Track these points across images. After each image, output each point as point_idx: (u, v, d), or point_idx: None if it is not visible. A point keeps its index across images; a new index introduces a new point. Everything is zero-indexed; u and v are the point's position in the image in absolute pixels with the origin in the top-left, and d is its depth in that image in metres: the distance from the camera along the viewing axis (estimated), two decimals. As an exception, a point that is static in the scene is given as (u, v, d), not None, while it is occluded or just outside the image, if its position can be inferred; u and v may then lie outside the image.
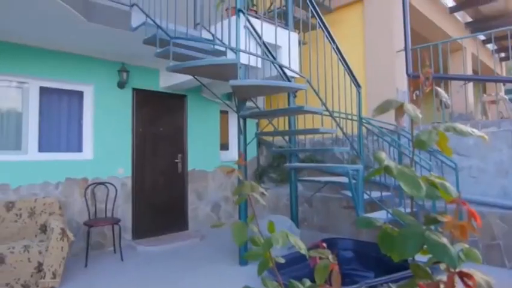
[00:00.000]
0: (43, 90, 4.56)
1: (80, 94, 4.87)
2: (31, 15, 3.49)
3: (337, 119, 4.38)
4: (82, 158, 4.77)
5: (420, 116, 0.77)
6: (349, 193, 4.02)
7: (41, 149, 4.51)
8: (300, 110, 3.91)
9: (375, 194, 4.17)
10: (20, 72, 4.29)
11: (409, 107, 0.77)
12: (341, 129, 4.31)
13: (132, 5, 3.92)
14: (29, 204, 4.00)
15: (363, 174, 4.00)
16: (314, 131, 4.36)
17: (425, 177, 0.78)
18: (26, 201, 4.01)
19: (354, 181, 3.84)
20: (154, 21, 3.75)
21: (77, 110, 4.87)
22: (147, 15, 3.81)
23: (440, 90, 0.94)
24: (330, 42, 4.30)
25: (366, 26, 5.94)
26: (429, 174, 0.81)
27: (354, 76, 4.46)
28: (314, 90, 4.04)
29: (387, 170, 0.74)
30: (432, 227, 0.79)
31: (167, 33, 3.66)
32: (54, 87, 4.64)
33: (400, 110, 0.77)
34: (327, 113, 4.15)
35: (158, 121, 5.56)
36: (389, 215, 3.74)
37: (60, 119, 4.73)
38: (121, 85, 5.03)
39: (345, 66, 4.37)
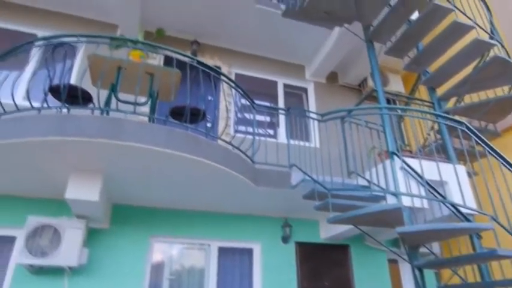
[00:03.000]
0: (220, 250, 5.11)
1: (249, 251, 5.25)
2: (215, 189, 4.25)
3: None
4: (252, 317, 4.78)
5: None
6: None
7: (217, 307, 4.77)
8: (493, 255, 3.18)
9: None
10: (202, 235, 4.99)
11: None
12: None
13: (291, 166, 4.40)
14: None
15: None
16: (521, 282, 3.39)
17: None
18: None
19: None
20: (311, 177, 4.05)
21: (247, 266, 5.17)
22: (304, 173, 4.17)
23: None
24: (508, 169, 3.70)
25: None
26: None
27: (558, 205, 3.55)
28: (505, 229, 3.32)
29: None
30: None
31: (324, 186, 3.84)
32: (229, 246, 5.17)
33: None
34: (534, 256, 3.25)
35: (322, 275, 5.34)
36: None
37: (233, 275, 5.06)
38: (285, 240, 5.24)
39: (541, 194, 3.57)
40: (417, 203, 3.80)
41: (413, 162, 3.97)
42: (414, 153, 4.50)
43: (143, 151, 3.27)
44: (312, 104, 6.79)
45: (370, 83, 6.73)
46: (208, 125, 4.92)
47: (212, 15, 5.96)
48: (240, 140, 4.27)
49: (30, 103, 3.53)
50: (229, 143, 4.06)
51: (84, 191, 3.54)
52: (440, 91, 5.40)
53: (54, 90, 3.69)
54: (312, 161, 4.41)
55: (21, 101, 4.34)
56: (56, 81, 3.74)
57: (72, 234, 3.91)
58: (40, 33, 5.46)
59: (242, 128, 5.05)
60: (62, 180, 3.67)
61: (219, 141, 4.14)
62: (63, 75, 3.74)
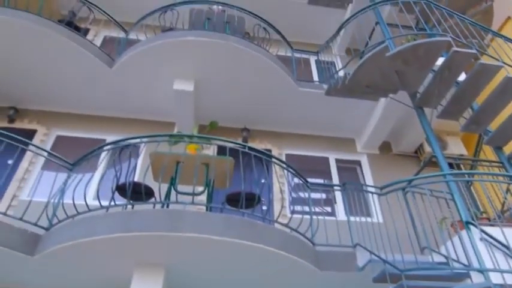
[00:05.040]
0: None
1: None
2: (276, 276, 4.02)
3: None
4: None
5: None
6: None
7: None
8: None
9: None
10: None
11: None
12: None
13: (355, 245, 4.11)
14: None
15: None
16: None
17: None
18: None
19: None
20: (379, 257, 3.73)
21: None
22: (371, 252, 3.86)
23: None
24: None
25: None
26: None
27: None
28: None
29: None
30: None
31: (395, 266, 3.49)
32: None
33: None
34: None
35: None
36: None
37: None
38: (359, 330, 4.66)
39: None
40: (509, 279, 3.28)
41: (494, 231, 3.55)
42: (493, 220, 4.03)
43: (202, 241, 3.29)
44: (368, 177, 6.56)
45: (428, 148, 6.45)
46: (264, 208, 4.89)
47: (258, 103, 6.34)
48: (298, 221, 4.15)
49: (100, 202, 3.81)
50: (287, 226, 3.95)
51: (146, 286, 3.54)
52: (508, 149, 4.99)
53: (120, 189, 3.98)
54: (376, 238, 4.09)
55: (91, 201, 4.69)
56: (121, 180, 4.05)
57: (137, 333, 3.82)
58: (108, 138, 6.11)
59: (298, 207, 4.95)
60: (125, 276, 3.72)
61: (276, 224, 4.04)
62: (128, 174, 4.05)
